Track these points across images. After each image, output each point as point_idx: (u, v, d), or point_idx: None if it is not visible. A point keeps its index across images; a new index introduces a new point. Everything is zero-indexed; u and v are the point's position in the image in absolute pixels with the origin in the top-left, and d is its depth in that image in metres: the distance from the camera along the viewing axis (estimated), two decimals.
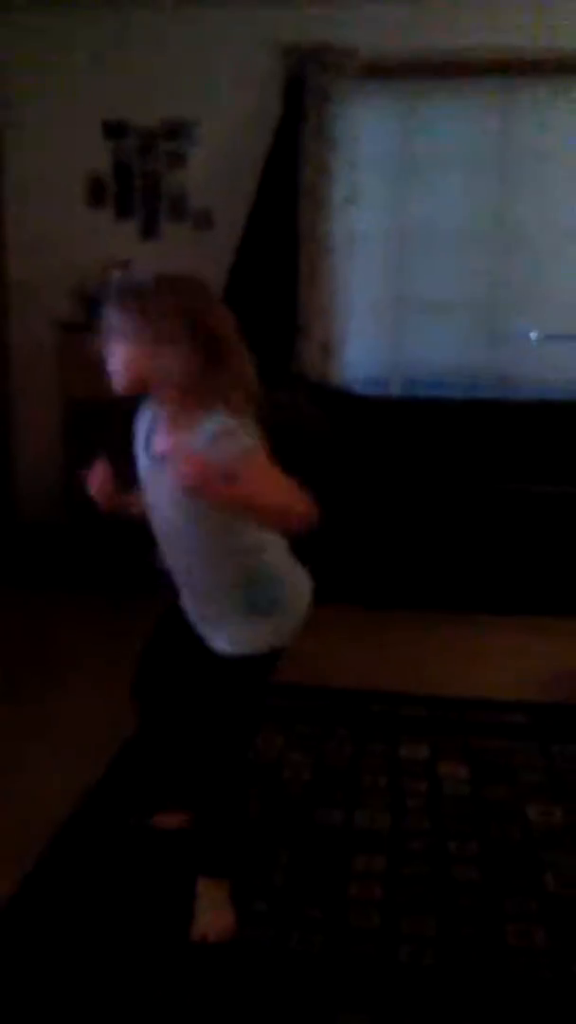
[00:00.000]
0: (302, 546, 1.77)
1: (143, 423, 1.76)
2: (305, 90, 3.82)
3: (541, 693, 2.89)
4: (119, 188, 4.13)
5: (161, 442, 1.67)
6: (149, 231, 4.14)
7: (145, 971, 1.65)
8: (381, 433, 3.87)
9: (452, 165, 3.98)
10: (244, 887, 1.87)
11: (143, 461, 1.75)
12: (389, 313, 4.10)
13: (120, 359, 1.61)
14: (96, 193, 4.16)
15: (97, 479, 1.80)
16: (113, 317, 1.61)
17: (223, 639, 1.74)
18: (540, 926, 1.80)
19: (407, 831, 2.11)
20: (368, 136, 3.93)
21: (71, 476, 3.90)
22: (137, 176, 4.11)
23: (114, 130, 4.09)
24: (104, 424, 3.85)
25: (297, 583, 1.76)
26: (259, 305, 3.90)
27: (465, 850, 2.04)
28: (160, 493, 1.69)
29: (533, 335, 4.04)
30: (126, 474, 1.79)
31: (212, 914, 1.77)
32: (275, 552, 1.73)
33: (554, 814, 2.20)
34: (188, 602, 1.80)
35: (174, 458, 1.54)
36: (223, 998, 1.59)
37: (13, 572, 3.82)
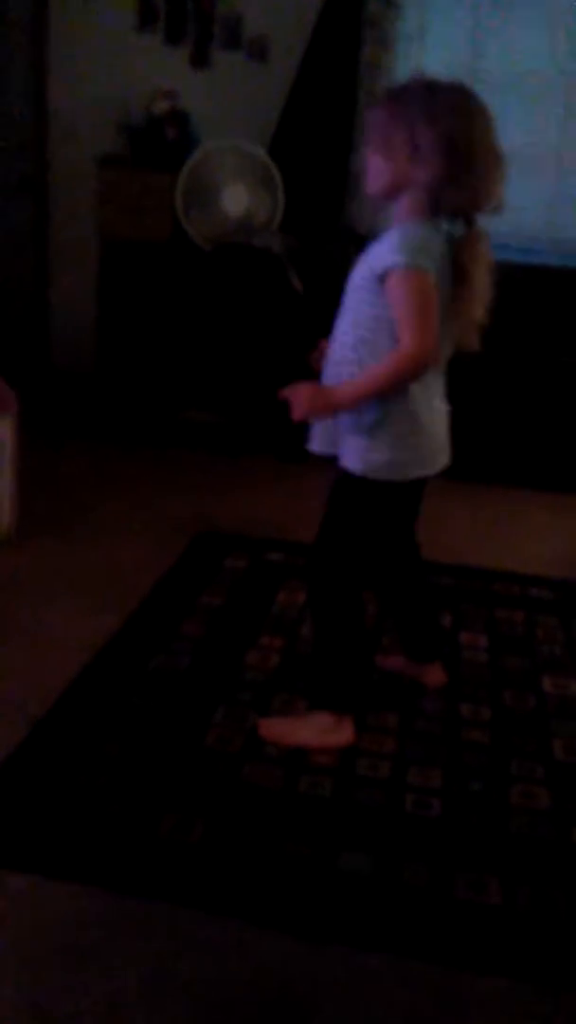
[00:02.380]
0: None
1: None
2: None
3: (568, 570, 2.87)
4: (170, 9, 3.85)
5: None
6: (199, 59, 3.87)
7: (155, 803, 1.72)
8: None
9: (527, 5, 3.63)
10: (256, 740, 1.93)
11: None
12: None
13: (369, 160, 1.71)
14: (146, 15, 3.88)
15: (320, 355, 1.88)
16: (370, 118, 1.74)
17: (343, 452, 1.81)
18: (544, 789, 1.84)
19: (422, 692, 2.14)
20: None
21: (103, 322, 3.86)
22: None
23: None
24: (141, 267, 3.78)
25: (418, 424, 1.77)
26: (311, 152, 3.70)
27: (478, 714, 2.08)
28: (355, 284, 1.77)
29: None
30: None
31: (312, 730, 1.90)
32: (413, 388, 1.74)
33: (569, 687, 2.22)
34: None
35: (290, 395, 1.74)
36: (230, 835, 1.66)
37: (46, 419, 3.80)
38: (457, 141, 1.61)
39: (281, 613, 2.44)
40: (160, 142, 3.75)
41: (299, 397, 1.73)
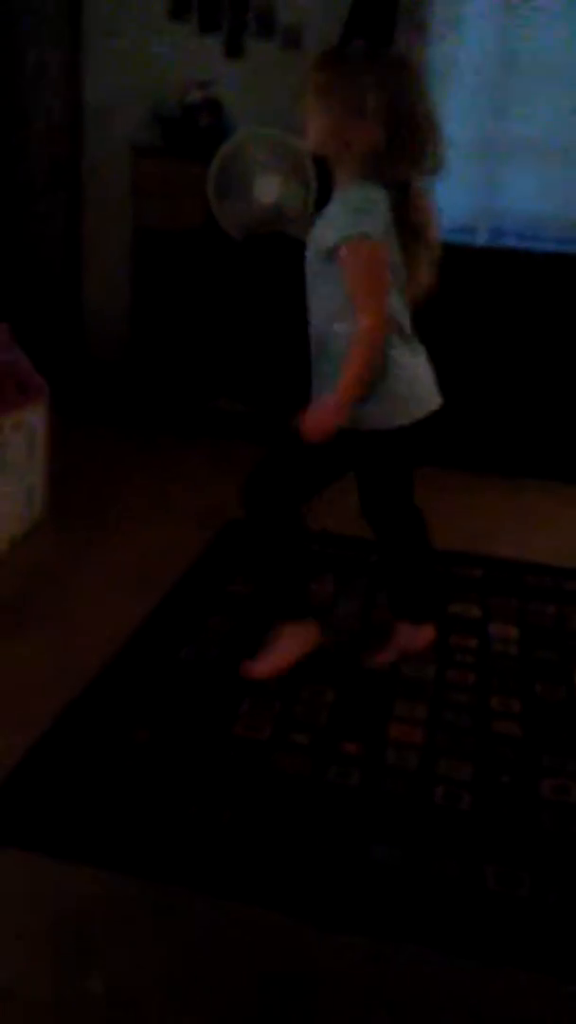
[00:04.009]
0: None
1: None
2: None
3: None
4: None
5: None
6: (233, 49, 3.86)
7: (182, 790, 1.72)
8: (462, 284, 3.68)
9: None
10: (287, 721, 1.92)
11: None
12: (482, 154, 3.81)
13: (312, 122, 1.76)
14: (179, 5, 3.87)
15: None
16: (312, 79, 1.75)
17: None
18: (575, 783, 1.82)
19: (452, 684, 2.13)
20: None
21: (135, 310, 3.86)
22: None
23: None
24: (174, 256, 3.78)
25: (394, 372, 1.83)
26: None
27: (508, 706, 2.06)
28: (311, 264, 1.85)
29: None
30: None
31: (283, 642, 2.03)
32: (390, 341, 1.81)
33: None
34: (314, 366, 1.93)
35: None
36: (256, 822, 1.65)
37: (81, 407, 3.82)
38: (400, 107, 1.70)
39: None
40: (194, 131, 3.75)
41: (307, 425, 1.81)
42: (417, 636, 2.19)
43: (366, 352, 1.77)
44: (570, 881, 1.57)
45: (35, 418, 2.74)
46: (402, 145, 1.71)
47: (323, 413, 1.80)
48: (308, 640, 2.05)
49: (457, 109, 3.70)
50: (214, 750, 1.83)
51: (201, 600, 2.43)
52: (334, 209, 1.78)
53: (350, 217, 1.72)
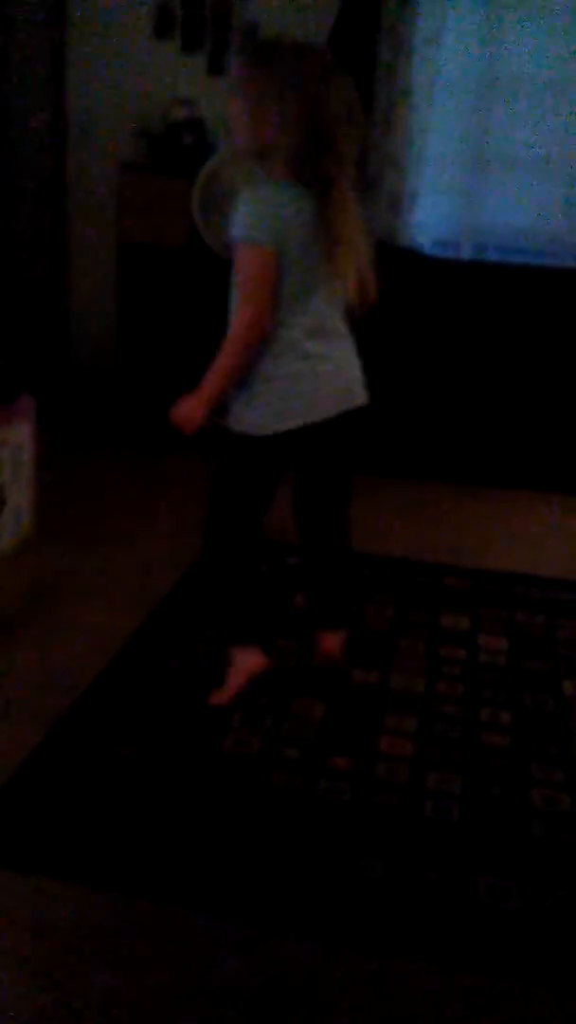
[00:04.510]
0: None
1: None
2: None
3: None
4: (187, 16, 3.86)
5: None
6: (217, 66, 3.89)
7: (173, 809, 1.71)
8: (446, 298, 3.70)
9: (547, 8, 3.62)
10: (276, 736, 1.92)
11: None
12: (465, 169, 3.83)
13: (234, 122, 1.74)
14: (163, 22, 3.90)
15: None
16: (236, 78, 1.75)
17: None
18: (565, 793, 1.82)
19: (441, 695, 2.13)
20: None
21: (122, 326, 3.86)
22: (208, 4, 3.83)
23: None
24: (160, 271, 3.79)
25: (279, 382, 1.82)
26: None
27: (498, 718, 2.06)
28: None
29: None
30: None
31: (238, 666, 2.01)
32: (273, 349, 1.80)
33: None
34: None
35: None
36: (247, 839, 1.65)
37: (65, 423, 3.82)
38: (322, 110, 1.68)
39: (298, 616, 2.43)
40: (178, 148, 3.77)
41: (178, 415, 1.83)
42: (323, 641, 2.17)
43: (230, 348, 1.77)
44: (562, 891, 1.56)
45: (21, 436, 2.73)
46: (321, 146, 1.69)
47: (187, 405, 1.82)
48: (256, 665, 2.02)
49: (440, 125, 3.74)
50: (203, 766, 1.82)
51: (190, 615, 2.42)
52: (238, 207, 1.75)
53: (245, 219, 1.72)
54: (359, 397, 1.93)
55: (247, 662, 2.01)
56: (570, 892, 1.56)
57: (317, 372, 1.85)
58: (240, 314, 1.76)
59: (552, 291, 3.69)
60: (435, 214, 3.87)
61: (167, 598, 2.50)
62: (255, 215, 1.72)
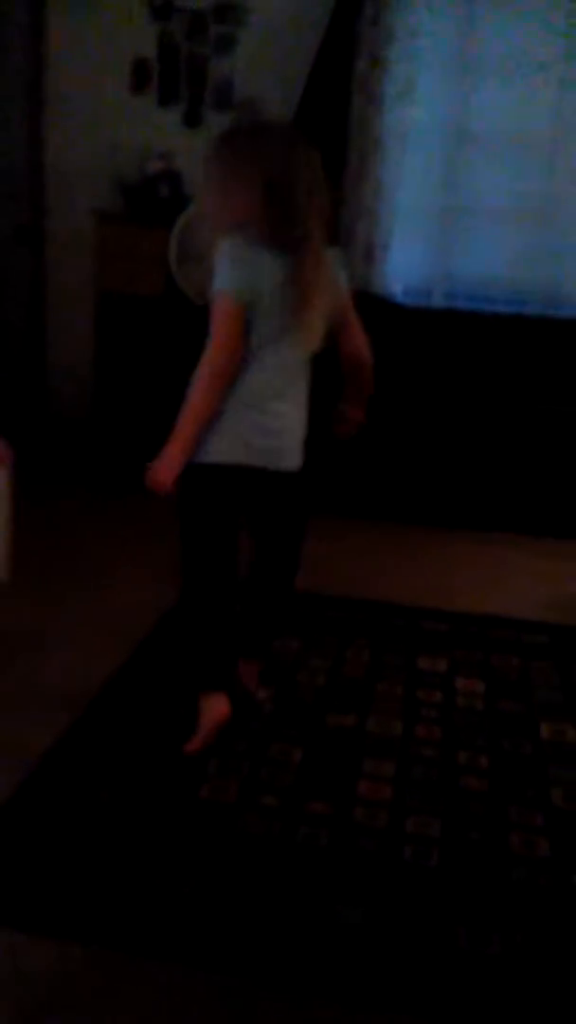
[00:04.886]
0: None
1: None
2: None
3: (564, 616, 2.87)
4: (163, 72, 3.96)
5: None
6: (192, 119, 3.99)
7: (148, 860, 1.69)
8: (420, 345, 3.77)
9: (513, 64, 3.76)
10: (254, 783, 1.91)
11: None
12: (436, 220, 3.95)
13: (203, 199, 1.89)
14: (140, 77, 4.00)
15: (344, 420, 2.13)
16: (203, 159, 1.88)
17: None
18: (544, 838, 1.81)
19: (419, 739, 2.13)
20: (426, 29, 3.71)
21: (99, 372, 3.90)
22: (183, 60, 3.94)
23: (161, 11, 3.91)
24: (137, 319, 3.83)
25: (228, 418, 1.87)
26: None
27: (475, 761, 2.06)
28: None
29: None
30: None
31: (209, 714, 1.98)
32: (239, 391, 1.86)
33: (567, 732, 2.21)
34: None
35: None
36: (225, 887, 1.63)
37: (42, 467, 3.82)
38: (282, 185, 1.77)
39: (274, 660, 2.43)
40: (154, 200, 3.84)
41: (151, 477, 1.84)
42: (247, 671, 2.18)
43: (201, 383, 1.82)
44: (540, 936, 1.56)
45: None
46: (289, 216, 1.78)
47: (163, 460, 1.84)
48: (220, 714, 1.99)
49: (411, 176, 3.84)
50: (179, 814, 1.80)
51: (168, 658, 2.41)
52: (218, 258, 1.82)
53: (220, 272, 1.79)
54: (290, 462, 1.96)
55: (213, 710, 1.99)
56: (549, 937, 1.56)
57: (264, 425, 1.90)
58: (206, 356, 1.82)
59: (521, 337, 3.77)
60: (407, 263, 3.96)
61: (143, 643, 2.49)
62: (227, 261, 1.80)
